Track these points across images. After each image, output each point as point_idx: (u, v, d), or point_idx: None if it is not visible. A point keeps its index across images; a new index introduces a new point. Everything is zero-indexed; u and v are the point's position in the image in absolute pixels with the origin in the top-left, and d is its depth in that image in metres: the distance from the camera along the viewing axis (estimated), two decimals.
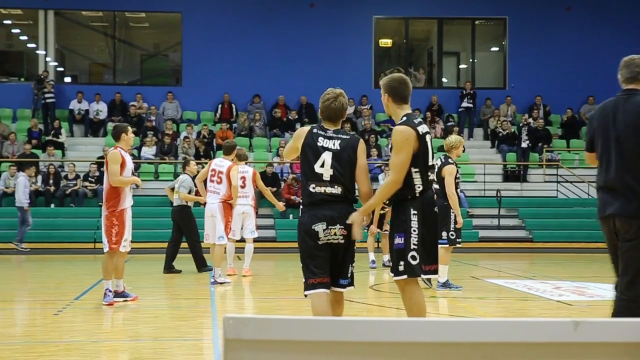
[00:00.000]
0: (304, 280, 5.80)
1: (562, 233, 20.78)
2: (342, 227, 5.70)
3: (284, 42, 25.28)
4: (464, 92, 25.25)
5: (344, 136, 5.84)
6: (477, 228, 20.91)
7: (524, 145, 23.87)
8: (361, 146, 5.84)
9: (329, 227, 5.70)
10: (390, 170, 5.73)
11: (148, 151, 22.93)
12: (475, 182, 22.97)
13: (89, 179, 21.37)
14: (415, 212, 5.69)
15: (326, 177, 5.74)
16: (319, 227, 5.70)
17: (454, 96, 25.69)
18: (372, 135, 23.22)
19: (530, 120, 24.45)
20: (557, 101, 25.34)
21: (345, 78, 25.22)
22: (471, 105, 25.16)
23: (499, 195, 21.59)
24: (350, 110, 24.98)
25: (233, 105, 24.88)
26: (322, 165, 5.75)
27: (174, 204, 13.97)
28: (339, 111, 5.92)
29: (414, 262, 5.70)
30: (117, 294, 9.75)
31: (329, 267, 5.78)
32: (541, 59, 25.81)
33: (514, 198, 22.56)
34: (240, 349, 2.46)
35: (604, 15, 26.11)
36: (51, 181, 21.13)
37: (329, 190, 5.73)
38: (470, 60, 27.23)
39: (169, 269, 13.79)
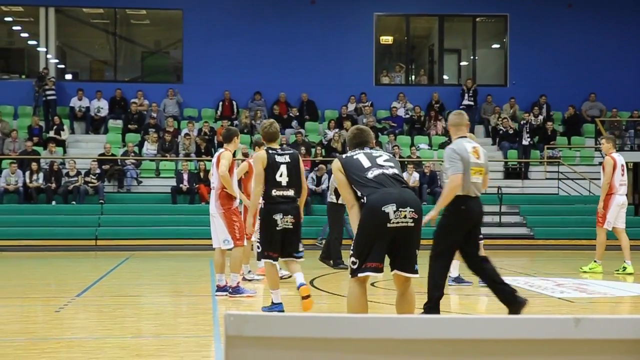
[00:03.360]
0: (260, 250, 8.26)
1: (564, 230, 20.77)
2: (292, 217, 8.15)
3: (285, 39, 25.26)
4: (465, 89, 25.24)
5: (289, 151, 8.37)
6: None
7: (525, 142, 23.86)
8: (300, 157, 8.45)
9: (284, 217, 8.10)
10: None
11: (150, 148, 22.95)
12: None
13: (91, 176, 21.37)
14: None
15: (284, 183, 8.16)
16: (278, 217, 8.10)
17: (455, 93, 25.67)
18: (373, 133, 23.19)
19: (532, 117, 24.44)
20: (558, 98, 25.32)
21: (346, 75, 25.27)
22: (472, 103, 25.14)
23: (500, 192, 21.58)
24: (351, 107, 24.98)
25: (234, 103, 24.86)
26: (281, 175, 8.14)
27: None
28: (275, 134, 8.41)
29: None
30: (220, 289, 9.91)
31: (280, 245, 8.19)
32: (542, 56, 25.79)
33: (515, 195, 22.55)
34: (242, 345, 2.46)
35: (605, 12, 26.10)
36: (52, 178, 21.12)
37: (285, 193, 8.18)
38: (471, 57, 27.22)
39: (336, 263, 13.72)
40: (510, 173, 23.83)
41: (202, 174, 21.23)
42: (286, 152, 8.31)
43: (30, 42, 27.06)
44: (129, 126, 24.06)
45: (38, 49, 25.97)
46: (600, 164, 24.15)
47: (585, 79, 25.61)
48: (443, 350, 2.50)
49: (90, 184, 21.22)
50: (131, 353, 6.46)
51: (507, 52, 26.40)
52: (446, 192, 7.54)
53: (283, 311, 8.47)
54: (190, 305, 9.68)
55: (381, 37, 26.67)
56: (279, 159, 8.19)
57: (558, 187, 23.06)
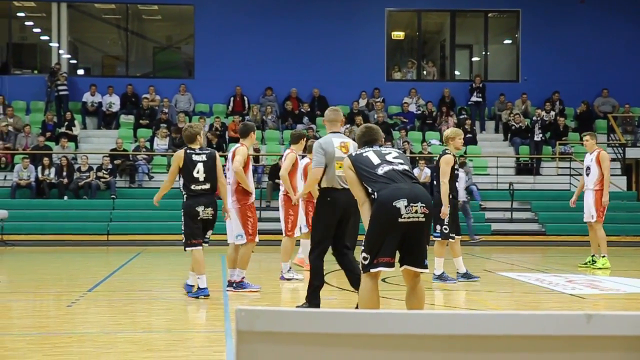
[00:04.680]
0: (185, 239, 9.26)
1: (575, 226, 20.63)
2: (211, 209, 9.26)
3: (296, 34, 25.26)
4: (473, 86, 25.16)
5: (206, 151, 9.39)
6: (490, 221, 20.87)
7: (536, 138, 23.77)
8: (217, 156, 9.43)
9: (205, 209, 9.21)
10: None
11: (160, 143, 22.98)
12: (488, 175, 22.92)
13: (102, 171, 21.43)
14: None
15: (201, 179, 9.23)
16: (200, 209, 9.20)
17: (466, 89, 25.62)
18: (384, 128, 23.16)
19: (544, 113, 24.34)
20: (570, 94, 25.22)
21: (358, 71, 25.25)
22: (480, 99, 25.07)
23: (511, 188, 21.53)
24: (362, 103, 24.96)
25: (245, 98, 24.88)
26: (198, 172, 9.21)
27: None
28: (192, 136, 9.37)
29: None
30: (231, 284, 9.94)
31: (203, 234, 9.32)
32: (554, 51, 25.69)
33: (527, 191, 22.49)
34: (253, 340, 2.47)
35: (618, 8, 25.97)
36: (64, 173, 21.20)
37: (203, 187, 9.24)
38: (483, 53, 27.14)
39: None
40: (522, 169, 23.76)
41: None
42: (204, 152, 9.36)
43: (42, 38, 27.15)
44: (141, 121, 24.11)
45: (50, 44, 26.05)
46: (613, 160, 24.14)
47: (597, 75, 25.51)
48: (453, 346, 2.50)
49: (102, 179, 21.29)
50: (142, 348, 6.48)
51: (519, 48, 26.31)
52: (306, 184, 9.16)
53: (208, 295, 9.25)
54: (201, 301, 9.70)
55: (393, 33, 26.63)
56: (195, 157, 9.25)
57: (570, 183, 22.97)
